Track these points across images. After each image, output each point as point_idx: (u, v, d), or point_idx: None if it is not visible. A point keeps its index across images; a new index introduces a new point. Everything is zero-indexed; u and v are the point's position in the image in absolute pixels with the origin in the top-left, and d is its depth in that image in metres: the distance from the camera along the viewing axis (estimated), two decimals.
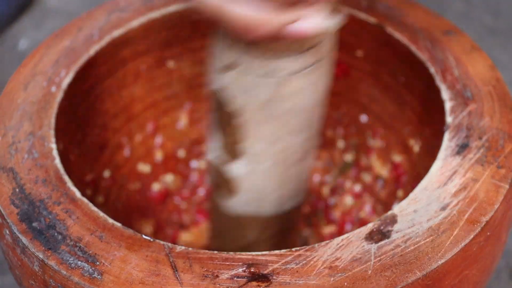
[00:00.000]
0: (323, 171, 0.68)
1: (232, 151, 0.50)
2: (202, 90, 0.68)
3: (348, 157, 0.67)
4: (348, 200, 0.65)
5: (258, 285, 0.39)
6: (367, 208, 0.64)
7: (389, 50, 0.59)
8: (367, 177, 0.65)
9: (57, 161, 0.48)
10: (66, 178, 0.47)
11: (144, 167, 0.65)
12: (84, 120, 0.58)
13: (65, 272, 0.41)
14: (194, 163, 0.70)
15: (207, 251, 0.41)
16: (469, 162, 0.46)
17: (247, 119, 0.48)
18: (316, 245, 0.42)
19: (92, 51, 0.57)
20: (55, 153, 0.48)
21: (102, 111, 0.61)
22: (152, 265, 0.41)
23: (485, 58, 0.55)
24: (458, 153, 0.47)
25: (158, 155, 0.67)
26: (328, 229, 0.65)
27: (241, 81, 0.46)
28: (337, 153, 0.68)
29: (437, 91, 0.53)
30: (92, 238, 0.43)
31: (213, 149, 0.52)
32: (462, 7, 1.02)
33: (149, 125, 0.66)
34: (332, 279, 0.40)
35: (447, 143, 0.48)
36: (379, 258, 0.41)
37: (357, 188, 0.66)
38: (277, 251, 0.41)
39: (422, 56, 0.55)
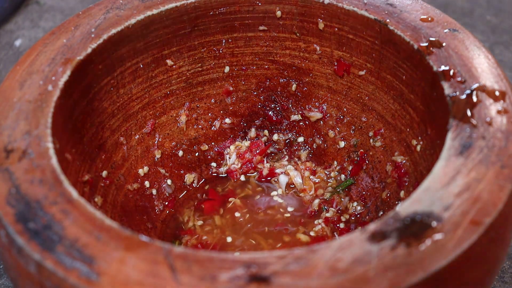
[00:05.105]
0: (320, 183, 0.67)
1: None
2: (201, 89, 0.68)
3: (347, 173, 0.67)
4: (329, 225, 0.64)
5: (258, 287, 0.39)
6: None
7: (391, 47, 0.59)
8: (367, 179, 0.65)
9: (54, 160, 0.47)
10: (62, 178, 0.46)
11: (142, 167, 0.65)
12: (81, 119, 0.58)
13: (61, 273, 0.40)
14: (194, 163, 0.69)
15: (206, 252, 0.41)
16: (472, 162, 0.46)
17: None
18: (317, 246, 0.41)
19: (89, 49, 0.56)
20: (51, 152, 0.48)
21: (100, 110, 0.60)
22: (150, 266, 0.40)
23: (489, 56, 0.54)
24: (461, 153, 0.46)
25: (157, 155, 0.66)
26: (304, 238, 0.64)
27: None
28: (337, 169, 0.68)
29: (440, 90, 0.52)
30: (89, 239, 0.42)
31: None
32: (466, 5, 1.02)
33: (148, 124, 0.65)
34: (333, 280, 0.39)
35: (450, 142, 0.47)
36: (381, 259, 0.40)
37: (343, 218, 0.65)
38: (277, 252, 0.41)
39: (425, 54, 0.54)
